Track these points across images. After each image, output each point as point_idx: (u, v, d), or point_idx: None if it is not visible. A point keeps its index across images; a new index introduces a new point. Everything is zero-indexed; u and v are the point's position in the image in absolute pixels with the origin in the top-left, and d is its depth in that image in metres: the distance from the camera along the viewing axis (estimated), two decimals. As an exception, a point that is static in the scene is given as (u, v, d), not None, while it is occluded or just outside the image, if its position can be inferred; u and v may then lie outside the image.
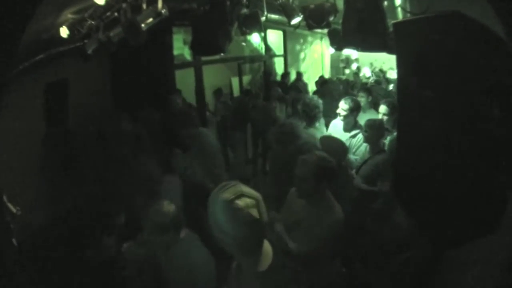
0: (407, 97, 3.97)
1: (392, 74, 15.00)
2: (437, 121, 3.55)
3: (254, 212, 2.15)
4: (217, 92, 10.44)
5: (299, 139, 5.28)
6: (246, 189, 2.23)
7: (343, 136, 6.31)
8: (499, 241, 2.98)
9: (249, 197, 2.19)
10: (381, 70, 17.01)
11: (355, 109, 6.44)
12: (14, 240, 3.77)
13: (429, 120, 3.61)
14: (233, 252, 2.31)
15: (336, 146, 5.12)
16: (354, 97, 6.75)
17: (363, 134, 5.78)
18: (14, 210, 4.67)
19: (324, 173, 3.75)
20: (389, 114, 6.42)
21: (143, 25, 5.08)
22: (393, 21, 4.32)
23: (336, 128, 6.68)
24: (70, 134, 7.14)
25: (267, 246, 2.36)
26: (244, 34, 6.52)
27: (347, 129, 6.50)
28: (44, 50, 6.08)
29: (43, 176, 6.56)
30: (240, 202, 2.13)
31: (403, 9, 5.21)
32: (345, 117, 6.43)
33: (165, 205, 3.70)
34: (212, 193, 2.23)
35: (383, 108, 6.52)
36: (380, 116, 6.49)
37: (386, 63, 17.12)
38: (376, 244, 4.66)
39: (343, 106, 6.40)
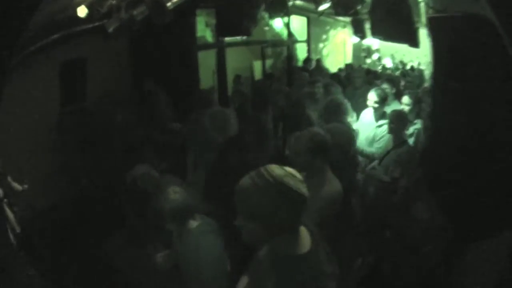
0: (440, 88, 3.95)
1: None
2: (467, 113, 3.54)
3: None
4: (236, 79, 10.34)
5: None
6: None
7: (372, 126, 6.41)
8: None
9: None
10: (401, 62, 16.84)
11: (385, 99, 6.44)
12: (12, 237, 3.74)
13: (459, 112, 3.60)
14: (270, 236, 2.27)
15: (341, 133, 5.08)
16: (381, 87, 6.74)
17: (389, 125, 5.71)
18: (20, 188, 4.67)
19: (318, 148, 3.84)
20: (412, 105, 6.36)
21: (168, 4, 4.99)
22: (428, 16, 4.32)
23: (364, 119, 6.69)
24: (88, 113, 7.08)
25: (302, 228, 2.37)
26: (271, 18, 6.48)
27: (377, 119, 6.49)
28: (61, 29, 6.01)
29: (57, 156, 6.53)
30: (295, 175, 2.22)
31: (426, 4, 5.16)
32: (376, 108, 6.41)
33: (170, 192, 3.59)
34: (250, 186, 2.19)
35: (406, 99, 6.47)
36: (403, 107, 6.43)
37: (407, 55, 16.91)
38: (395, 237, 4.62)
39: (373, 98, 6.37)
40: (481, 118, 3.48)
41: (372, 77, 10.32)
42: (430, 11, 5.32)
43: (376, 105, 6.40)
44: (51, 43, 5.83)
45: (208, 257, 3.47)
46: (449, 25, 3.76)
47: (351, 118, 6.78)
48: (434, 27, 4.04)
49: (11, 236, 3.87)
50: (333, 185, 3.86)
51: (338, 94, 7.28)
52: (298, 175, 2.24)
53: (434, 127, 4.40)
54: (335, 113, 5.65)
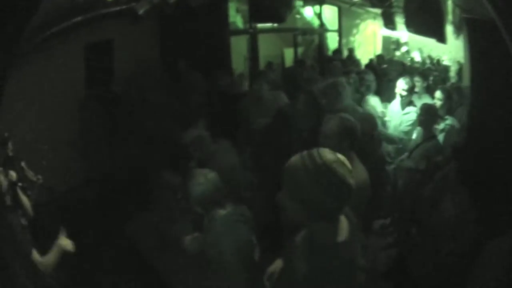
0: (480, 85, 3.97)
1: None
2: (504, 112, 3.56)
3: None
4: (268, 66, 9.92)
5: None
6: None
7: (399, 114, 6.48)
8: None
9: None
10: (429, 57, 16.71)
11: (413, 88, 6.54)
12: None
13: (498, 109, 3.61)
14: (309, 219, 2.26)
15: (365, 119, 5.08)
16: (411, 77, 6.78)
17: (418, 117, 5.74)
18: (34, 178, 4.70)
19: (346, 132, 3.86)
20: (443, 100, 6.32)
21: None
22: (465, 15, 4.37)
23: (393, 108, 6.74)
24: (115, 96, 7.07)
25: (342, 217, 2.34)
26: (305, 5, 6.45)
27: (404, 107, 6.54)
28: (89, 10, 6.03)
29: (81, 138, 6.59)
30: (345, 163, 2.20)
31: (454, 2, 5.14)
32: (405, 97, 6.46)
33: (201, 178, 3.52)
34: (298, 166, 2.17)
35: (438, 94, 6.42)
36: (435, 102, 6.40)
37: (434, 50, 16.78)
38: (422, 234, 4.61)
39: (402, 86, 6.40)
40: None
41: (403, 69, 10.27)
42: (457, 9, 5.31)
43: (405, 93, 6.43)
44: (78, 24, 5.83)
45: (232, 247, 3.41)
46: (485, 27, 3.74)
47: (381, 107, 6.80)
48: (470, 28, 4.05)
49: (22, 221, 3.90)
50: (359, 172, 3.75)
51: (372, 82, 7.26)
52: (348, 164, 2.22)
53: (469, 124, 4.39)
54: (335, 95, 5.63)
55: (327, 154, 2.20)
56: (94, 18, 6.11)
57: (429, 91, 7.32)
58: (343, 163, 2.18)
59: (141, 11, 6.00)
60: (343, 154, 3.82)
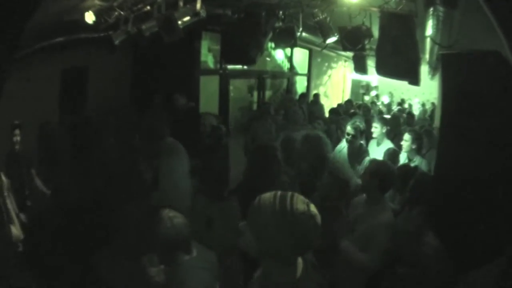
0: (449, 124, 4.03)
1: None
2: (476, 149, 3.69)
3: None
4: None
5: None
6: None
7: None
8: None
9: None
10: (402, 100, 16.98)
11: (362, 133, 6.36)
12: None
13: (468, 147, 3.73)
14: (266, 258, 2.22)
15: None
16: (358, 121, 6.54)
17: None
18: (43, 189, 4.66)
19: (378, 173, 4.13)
20: (411, 141, 6.31)
21: (179, 22, 4.95)
22: (441, 52, 4.41)
23: (342, 154, 6.43)
24: (90, 122, 7.00)
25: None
26: (276, 48, 6.45)
27: (353, 154, 6.26)
28: (67, 32, 6.03)
29: (49, 163, 6.42)
30: (315, 217, 2.05)
31: (432, 40, 5.19)
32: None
33: (167, 221, 3.37)
34: (267, 204, 2.10)
35: (406, 136, 6.40)
36: (402, 143, 6.40)
37: (405, 93, 17.13)
38: (406, 272, 4.58)
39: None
40: (488, 156, 3.55)
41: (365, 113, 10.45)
42: (436, 47, 5.36)
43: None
44: (55, 45, 5.81)
45: None
46: (462, 62, 3.82)
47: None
48: (446, 63, 4.10)
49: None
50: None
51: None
52: (318, 218, 2.08)
53: (438, 163, 4.42)
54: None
55: (299, 203, 2.08)
56: (73, 41, 6.10)
57: (392, 135, 7.42)
58: (312, 217, 2.06)
59: (117, 41, 5.96)
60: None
